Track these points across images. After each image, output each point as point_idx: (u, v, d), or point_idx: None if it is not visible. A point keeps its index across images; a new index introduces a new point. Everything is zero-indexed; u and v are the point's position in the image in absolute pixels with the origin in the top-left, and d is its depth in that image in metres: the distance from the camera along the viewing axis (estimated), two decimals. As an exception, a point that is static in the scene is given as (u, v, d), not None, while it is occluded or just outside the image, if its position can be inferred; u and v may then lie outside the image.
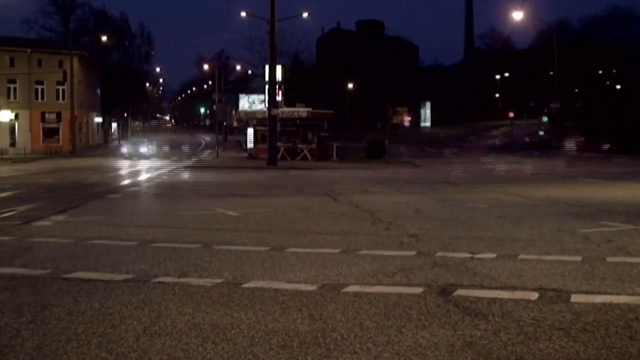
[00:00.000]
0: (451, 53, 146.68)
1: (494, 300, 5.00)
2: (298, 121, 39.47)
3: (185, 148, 57.03)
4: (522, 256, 6.89)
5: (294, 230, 9.16)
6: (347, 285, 5.53)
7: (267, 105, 33.34)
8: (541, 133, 53.21)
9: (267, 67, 34.06)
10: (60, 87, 52.29)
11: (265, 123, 33.40)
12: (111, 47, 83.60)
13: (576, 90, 68.41)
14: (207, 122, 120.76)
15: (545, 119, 56.85)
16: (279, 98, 34.74)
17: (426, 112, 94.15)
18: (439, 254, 7.03)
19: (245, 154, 44.10)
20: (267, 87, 33.98)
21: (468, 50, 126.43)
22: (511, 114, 70.86)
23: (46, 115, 53.69)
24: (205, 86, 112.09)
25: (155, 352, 3.82)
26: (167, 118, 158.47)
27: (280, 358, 3.75)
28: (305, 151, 37.62)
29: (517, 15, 49.41)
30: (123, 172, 27.75)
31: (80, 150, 51.54)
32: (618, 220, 9.97)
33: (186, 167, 31.50)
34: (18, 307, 4.84)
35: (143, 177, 23.80)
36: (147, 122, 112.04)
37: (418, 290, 5.34)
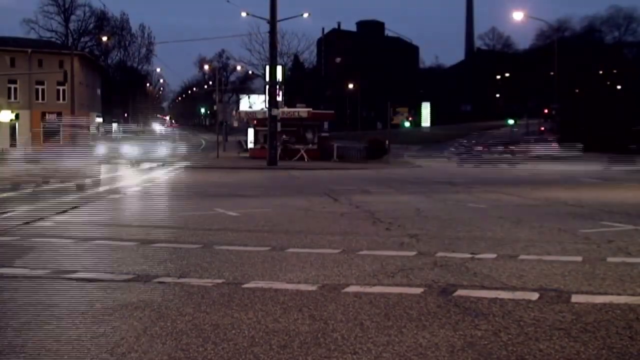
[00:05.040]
0: (451, 53, 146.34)
1: (494, 300, 5.00)
2: (298, 121, 39.50)
3: (185, 148, 56.99)
4: (522, 256, 6.89)
5: (295, 230, 9.16)
6: (347, 285, 5.53)
7: (267, 105, 33.36)
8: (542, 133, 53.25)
9: (267, 68, 34.11)
10: (61, 88, 52.33)
11: (266, 123, 33.40)
12: (112, 47, 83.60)
13: (576, 90, 68.44)
14: (207, 121, 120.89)
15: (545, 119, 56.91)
16: (279, 98, 34.80)
17: (426, 112, 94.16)
18: (440, 254, 7.02)
19: (246, 154, 44.13)
20: (267, 87, 34.03)
21: (468, 51, 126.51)
22: (511, 114, 70.89)
23: (47, 116, 53.73)
24: (205, 86, 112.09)
25: (156, 353, 3.83)
26: (168, 118, 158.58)
27: (280, 358, 3.75)
28: (302, 152, 37.58)
29: (518, 16, 49.47)
30: (123, 172, 27.75)
31: (80, 151, 51.50)
32: (618, 221, 9.96)
33: (186, 167, 31.51)
34: (18, 307, 4.84)
35: (143, 177, 23.81)
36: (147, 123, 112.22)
37: (418, 290, 5.33)
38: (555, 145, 45.51)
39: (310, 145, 39.38)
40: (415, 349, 3.89)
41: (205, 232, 8.89)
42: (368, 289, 5.38)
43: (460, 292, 5.27)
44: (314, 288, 5.43)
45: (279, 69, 34.00)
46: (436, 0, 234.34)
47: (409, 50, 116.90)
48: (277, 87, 33.44)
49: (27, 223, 9.57)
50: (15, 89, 52.69)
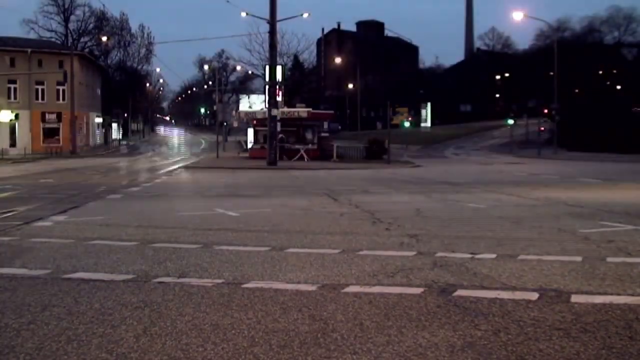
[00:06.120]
0: (451, 53, 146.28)
1: (494, 300, 5.01)
2: (298, 121, 39.51)
3: (185, 148, 57.01)
4: (522, 256, 6.89)
5: (294, 230, 9.16)
6: (347, 285, 5.53)
7: (267, 105, 33.37)
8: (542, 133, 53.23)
9: (267, 68, 34.11)
10: (61, 88, 52.35)
11: (266, 123, 33.42)
12: (111, 47, 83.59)
13: (576, 90, 68.44)
14: (207, 121, 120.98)
15: (545, 119, 56.88)
16: (279, 98, 34.76)
17: (426, 112, 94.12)
18: (439, 254, 7.03)
19: (246, 154, 44.10)
20: (267, 87, 34.03)
21: (468, 51, 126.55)
22: (511, 114, 70.89)
23: (46, 116, 53.74)
24: (205, 86, 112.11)
25: (156, 353, 3.83)
26: (167, 118, 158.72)
27: (280, 358, 3.75)
28: (302, 151, 37.58)
29: (517, 16, 49.46)
30: (123, 172, 27.77)
31: (80, 151, 51.58)
32: (618, 221, 9.96)
33: (186, 168, 31.51)
34: (18, 307, 4.84)
35: (143, 177, 23.81)
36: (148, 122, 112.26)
37: (418, 290, 5.34)
38: None
39: (310, 145, 39.37)
40: (415, 349, 3.89)
41: (205, 232, 8.89)
42: (368, 289, 5.38)
43: (460, 292, 5.27)
44: (313, 288, 5.43)
45: (279, 69, 33.97)
46: (436, 1, 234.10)
47: (409, 50, 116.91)
48: (277, 87, 33.42)
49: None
50: (15, 89, 52.68)
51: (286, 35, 65.87)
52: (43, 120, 53.62)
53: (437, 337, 4.11)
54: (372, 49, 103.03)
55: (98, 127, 68.92)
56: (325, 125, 42.44)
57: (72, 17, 77.25)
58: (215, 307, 4.82)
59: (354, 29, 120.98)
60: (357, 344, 3.99)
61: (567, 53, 58.16)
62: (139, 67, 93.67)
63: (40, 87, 53.47)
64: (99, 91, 69.77)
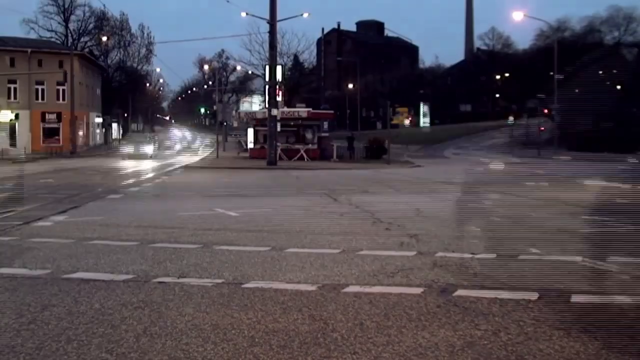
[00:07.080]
0: (451, 53, 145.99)
1: (494, 300, 5.00)
2: (298, 121, 39.50)
3: (185, 148, 57.00)
4: (522, 256, 6.90)
5: (294, 230, 9.16)
6: (347, 285, 5.53)
7: (267, 105, 33.36)
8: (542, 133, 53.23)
9: (267, 68, 34.12)
10: (61, 88, 52.29)
11: (266, 123, 33.41)
12: (111, 47, 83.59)
13: (576, 90, 68.44)
14: (207, 121, 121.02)
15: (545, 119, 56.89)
16: (279, 98, 34.74)
17: (426, 112, 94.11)
18: (439, 254, 7.02)
19: (246, 154, 44.07)
20: (267, 87, 34.01)
21: (468, 51, 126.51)
22: (511, 115, 70.88)
23: (46, 116, 53.73)
24: (205, 86, 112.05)
25: (156, 353, 3.83)
26: (167, 118, 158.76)
27: (280, 358, 3.76)
28: (302, 151, 37.57)
29: (517, 16, 49.50)
30: (123, 172, 27.76)
31: (80, 151, 51.58)
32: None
33: (186, 167, 31.50)
34: (18, 307, 4.84)
35: (143, 177, 23.80)
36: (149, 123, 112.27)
37: (418, 290, 5.34)
38: None
39: (310, 145, 39.37)
40: (415, 349, 3.89)
41: (205, 232, 8.89)
42: (368, 289, 5.38)
43: (460, 292, 5.27)
44: (313, 288, 5.43)
45: (279, 69, 33.95)
46: (436, 0, 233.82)
47: (409, 50, 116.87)
48: (277, 87, 33.41)
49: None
50: (15, 89, 52.64)
51: (286, 35, 65.77)
52: (43, 120, 53.57)
53: (437, 337, 4.11)
54: (372, 49, 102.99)
55: (98, 127, 68.86)
56: (325, 125, 42.34)
57: (72, 17, 77.13)
58: (215, 307, 4.82)
59: (354, 29, 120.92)
60: (357, 344, 3.99)
61: (567, 53, 58.17)
62: (139, 67, 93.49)
63: (40, 87, 53.43)
64: (99, 91, 69.69)
